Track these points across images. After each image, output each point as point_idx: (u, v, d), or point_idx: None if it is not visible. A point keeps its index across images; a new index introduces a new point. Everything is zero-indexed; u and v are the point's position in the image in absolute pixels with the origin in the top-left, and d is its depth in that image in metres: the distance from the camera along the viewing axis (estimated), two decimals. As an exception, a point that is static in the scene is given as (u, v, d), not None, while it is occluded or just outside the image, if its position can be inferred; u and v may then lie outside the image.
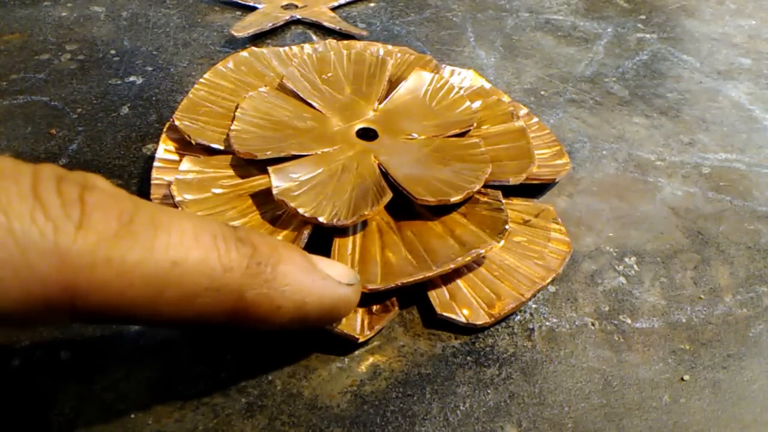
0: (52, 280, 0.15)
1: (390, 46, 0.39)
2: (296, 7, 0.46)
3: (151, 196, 0.29)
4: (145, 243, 0.15)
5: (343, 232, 0.27)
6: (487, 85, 0.37)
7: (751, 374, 0.26)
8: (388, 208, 0.29)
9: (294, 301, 0.18)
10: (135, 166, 0.33)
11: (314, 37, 0.44)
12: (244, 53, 0.37)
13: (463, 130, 0.32)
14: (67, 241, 0.15)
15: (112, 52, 0.42)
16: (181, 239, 0.16)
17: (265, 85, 0.34)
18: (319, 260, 0.20)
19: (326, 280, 0.20)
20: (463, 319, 0.26)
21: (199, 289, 0.16)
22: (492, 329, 0.26)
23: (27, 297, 0.15)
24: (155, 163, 0.31)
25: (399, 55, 0.38)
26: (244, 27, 0.43)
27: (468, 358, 0.25)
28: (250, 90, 0.34)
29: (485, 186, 0.30)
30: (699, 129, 0.38)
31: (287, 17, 0.45)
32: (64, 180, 0.16)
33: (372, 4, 0.48)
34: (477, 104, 0.35)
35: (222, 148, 0.31)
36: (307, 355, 0.25)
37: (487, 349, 0.26)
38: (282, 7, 0.46)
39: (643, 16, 0.49)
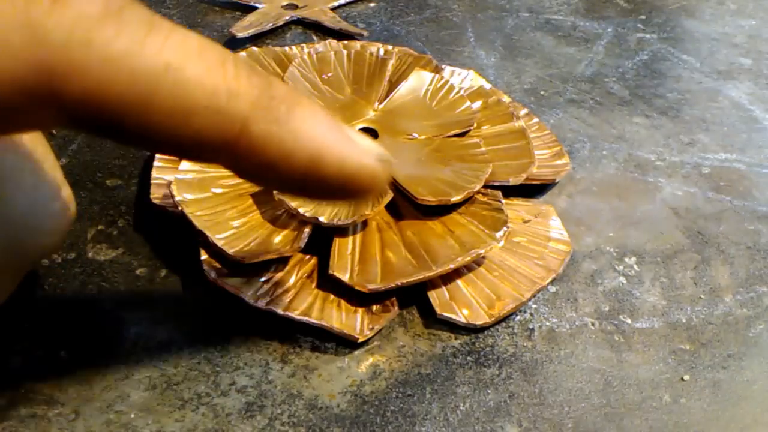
0: (24, 55, 0.13)
1: (390, 46, 0.39)
2: (296, 7, 0.46)
3: (151, 196, 0.29)
4: (134, 35, 0.13)
5: (343, 231, 0.27)
6: (487, 86, 0.37)
7: (751, 374, 0.26)
8: (388, 207, 0.29)
9: (309, 152, 0.15)
10: (135, 166, 0.33)
11: (314, 37, 0.44)
12: (244, 53, 0.37)
13: (463, 130, 0.32)
14: (39, 13, 0.13)
15: (112, 52, 0.42)
16: (180, 46, 0.14)
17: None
18: (348, 127, 0.17)
19: (351, 143, 0.16)
20: (463, 319, 0.26)
21: (196, 106, 0.14)
22: (492, 329, 0.26)
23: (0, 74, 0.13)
24: (155, 163, 0.31)
25: (399, 55, 0.38)
26: (244, 27, 0.43)
27: (468, 358, 0.25)
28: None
29: (485, 186, 0.30)
30: (699, 129, 0.38)
31: (287, 17, 0.45)
32: None
33: (372, 4, 0.48)
34: (477, 104, 0.35)
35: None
36: (307, 355, 0.25)
37: (487, 349, 0.26)
38: (282, 7, 0.46)
39: (643, 16, 0.49)
